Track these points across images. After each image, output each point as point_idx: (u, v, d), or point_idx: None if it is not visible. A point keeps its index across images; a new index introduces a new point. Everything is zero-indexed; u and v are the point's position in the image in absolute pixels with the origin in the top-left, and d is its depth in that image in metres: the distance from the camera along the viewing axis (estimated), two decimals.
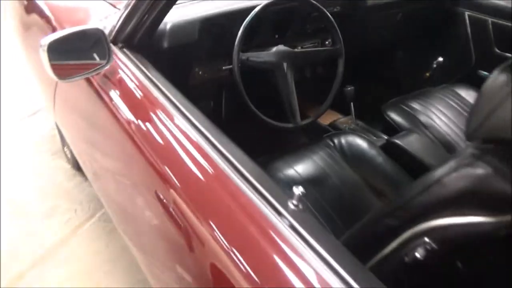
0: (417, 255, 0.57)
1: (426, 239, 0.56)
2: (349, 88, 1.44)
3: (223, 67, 1.21)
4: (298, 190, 0.57)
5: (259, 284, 0.53)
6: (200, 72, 1.22)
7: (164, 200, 0.74)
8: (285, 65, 1.16)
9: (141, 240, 1.02)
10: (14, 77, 2.43)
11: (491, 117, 0.52)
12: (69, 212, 1.66)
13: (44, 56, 0.81)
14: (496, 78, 0.54)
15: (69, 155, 1.84)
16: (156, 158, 0.76)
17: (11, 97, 2.31)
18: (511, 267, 0.56)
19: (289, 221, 0.56)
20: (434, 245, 0.56)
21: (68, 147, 1.80)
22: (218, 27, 1.16)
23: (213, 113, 1.44)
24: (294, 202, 0.57)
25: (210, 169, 0.67)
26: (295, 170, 1.09)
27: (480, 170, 0.52)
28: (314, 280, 0.50)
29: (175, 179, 0.71)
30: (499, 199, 0.51)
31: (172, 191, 0.72)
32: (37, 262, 1.47)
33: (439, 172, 0.57)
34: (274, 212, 0.57)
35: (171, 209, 0.72)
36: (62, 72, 0.84)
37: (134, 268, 1.43)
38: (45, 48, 0.80)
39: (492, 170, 0.51)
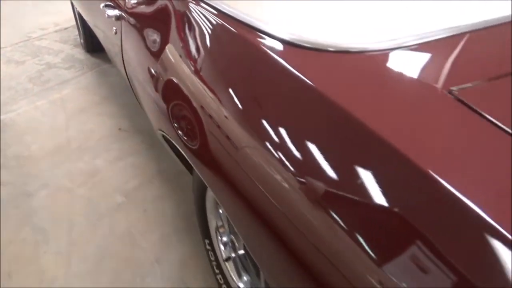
0: None
1: None
2: None
3: None
4: None
5: None
6: None
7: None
8: None
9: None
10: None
11: None
12: (80, 67, 2.92)
13: None
14: None
15: (83, 43, 3.10)
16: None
17: (55, 18, 3.66)
18: None
19: None
20: None
21: (83, 39, 3.06)
22: None
23: None
24: None
25: None
26: None
27: None
28: None
29: None
30: None
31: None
32: (61, 83, 2.72)
33: None
34: None
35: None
36: None
37: (116, 88, 2.66)
38: None
39: None
